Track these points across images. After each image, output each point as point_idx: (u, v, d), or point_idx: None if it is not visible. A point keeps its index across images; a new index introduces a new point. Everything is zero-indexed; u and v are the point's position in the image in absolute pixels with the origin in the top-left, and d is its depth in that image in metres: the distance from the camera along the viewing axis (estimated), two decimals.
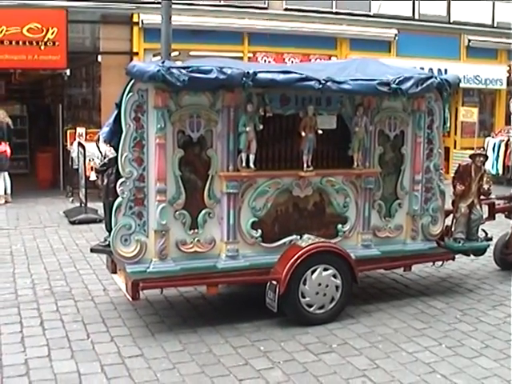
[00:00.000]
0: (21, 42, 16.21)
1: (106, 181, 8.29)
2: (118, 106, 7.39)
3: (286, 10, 19.73)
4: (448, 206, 9.52)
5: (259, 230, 7.93)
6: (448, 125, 9.22)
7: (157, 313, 8.19)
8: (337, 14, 20.45)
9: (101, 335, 7.46)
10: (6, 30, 16.16)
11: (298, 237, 8.08)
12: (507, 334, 7.71)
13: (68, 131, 17.60)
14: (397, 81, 8.13)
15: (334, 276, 7.89)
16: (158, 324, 7.83)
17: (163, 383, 6.28)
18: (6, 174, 16.38)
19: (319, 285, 7.80)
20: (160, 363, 6.73)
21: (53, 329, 7.61)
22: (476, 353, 7.16)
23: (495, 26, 23.28)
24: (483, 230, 9.69)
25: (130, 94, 7.20)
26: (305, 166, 8.02)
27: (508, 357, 7.04)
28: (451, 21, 22.47)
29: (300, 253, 7.71)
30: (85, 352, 6.97)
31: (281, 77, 7.55)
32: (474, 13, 22.64)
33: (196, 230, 7.64)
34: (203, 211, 7.66)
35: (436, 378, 6.52)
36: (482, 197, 9.54)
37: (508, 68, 23.49)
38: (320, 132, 7.97)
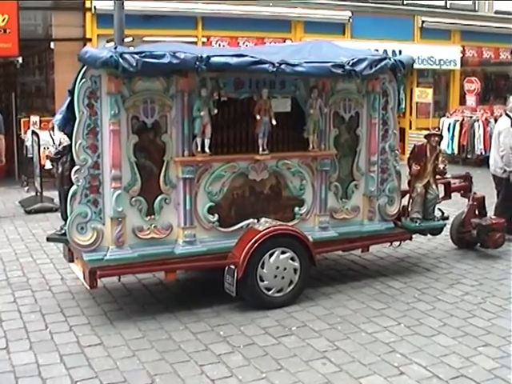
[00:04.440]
0: None
1: (60, 169, 8.21)
2: (71, 92, 7.31)
3: None
4: (404, 186, 9.60)
5: (216, 215, 7.91)
6: (403, 106, 9.28)
7: (115, 300, 8.14)
8: None
9: (59, 325, 7.39)
10: None
11: (255, 220, 8.07)
12: (465, 311, 7.81)
13: (22, 120, 17.36)
14: (351, 63, 8.15)
15: (292, 259, 7.91)
16: (116, 312, 7.79)
17: (123, 371, 6.24)
18: None
19: (277, 268, 7.81)
20: (119, 351, 6.69)
21: (10, 320, 7.52)
22: (434, 331, 7.24)
23: (448, 7, 23.51)
24: (440, 210, 9.81)
25: (83, 80, 7.12)
26: (260, 149, 8.00)
27: (466, 334, 7.14)
28: (404, 2, 22.62)
29: (257, 236, 7.71)
30: (43, 343, 6.90)
31: (234, 60, 7.52)
32: None
33: (152, 216, 7.60)
34: (159, 197, 7.61)
35: (396, 357, 6.57)
36: (437, 176, 9.63)
37: (461, 49, 23.70)
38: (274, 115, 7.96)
